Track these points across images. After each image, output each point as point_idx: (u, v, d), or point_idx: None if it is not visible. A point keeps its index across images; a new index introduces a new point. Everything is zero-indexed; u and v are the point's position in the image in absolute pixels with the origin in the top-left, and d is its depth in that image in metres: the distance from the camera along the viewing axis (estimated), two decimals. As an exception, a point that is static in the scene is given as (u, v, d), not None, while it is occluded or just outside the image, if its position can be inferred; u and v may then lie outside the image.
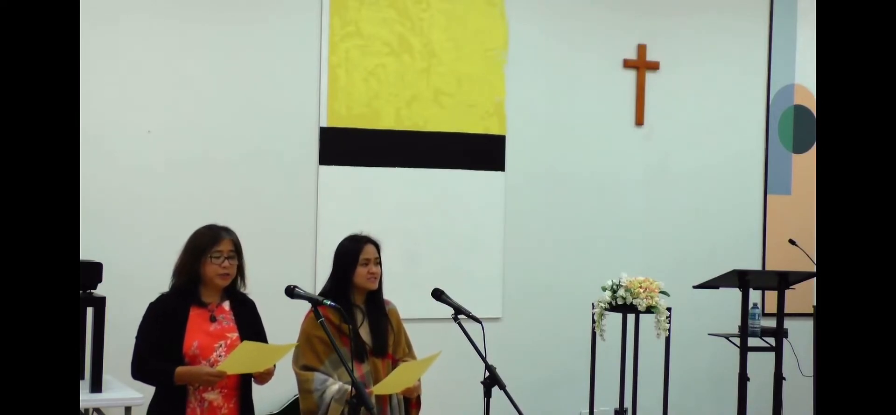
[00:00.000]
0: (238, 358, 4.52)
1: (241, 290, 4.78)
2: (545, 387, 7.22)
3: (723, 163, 7.68)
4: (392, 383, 4.70)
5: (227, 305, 4.72)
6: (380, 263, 4.96)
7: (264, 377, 4.70)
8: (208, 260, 4.64)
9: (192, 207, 6.22)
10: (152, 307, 4.68)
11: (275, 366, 4.69)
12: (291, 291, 4.55)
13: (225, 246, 4.66)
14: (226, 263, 4.66)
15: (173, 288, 4.70)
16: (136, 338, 4.66)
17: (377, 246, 4.97)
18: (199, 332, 4.62)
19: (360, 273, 4.90)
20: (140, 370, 4.65)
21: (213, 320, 4.66)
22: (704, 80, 7.63)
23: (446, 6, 6.97)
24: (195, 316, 4.63)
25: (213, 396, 4.61)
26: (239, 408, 4.68)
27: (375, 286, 4.94)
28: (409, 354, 5.07)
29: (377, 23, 6.82)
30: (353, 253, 4.91)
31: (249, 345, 4.54)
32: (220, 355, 4.61)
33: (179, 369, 4.55)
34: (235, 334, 4.68)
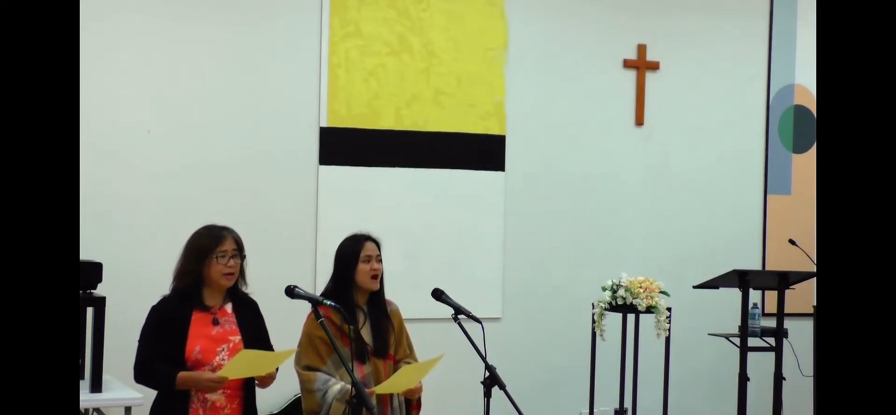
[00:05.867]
0: (238, 364, 4.51)
1: (243, 289, 4.77)
2: (545, 387, 7.22)
3: (723, 163, 7.68)
4: (394, 384, 4.70)
5: (229, 307, 4.70)
6: (380, 262, 4.96)
7: (267, 381, 4.70)
8: (213, 260, 4.62)
9: (192, 207, 6.22)
10: (154, 311, 4.66)
11: (277, 370, 4.69)
12: (291, 292, 4.55)
13: (229, 245, 4.65)
14: (231, 262, 4.64)
15: (175, 291, 4.67)
16: (139, 341, 4.65)
17: (378, 244, 4.96)
18: (201, 336, 4.60)
19: (362, 270, 4.89)
20: (142, 374, 4.63)
21: (215, 323, 4.65)
22: (704, 80, 7.63)
23: (446, 6, 6.97)
24: (197, 320, 4.62)
25: (216, 396, 4.60)
26: (242, 408, 4.67)
27: (377, 286, 4.93)
28: (411, 355, 5.06)
29: (377, 23, 6.82)
30: (354, 251, 4.90)
31: (249, 352, 4.53)
32: (222, 359, 4.59)
33: (181, 374, 4.54)
34: (238, 338, 4.66)
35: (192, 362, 4.56)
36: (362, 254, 4.89)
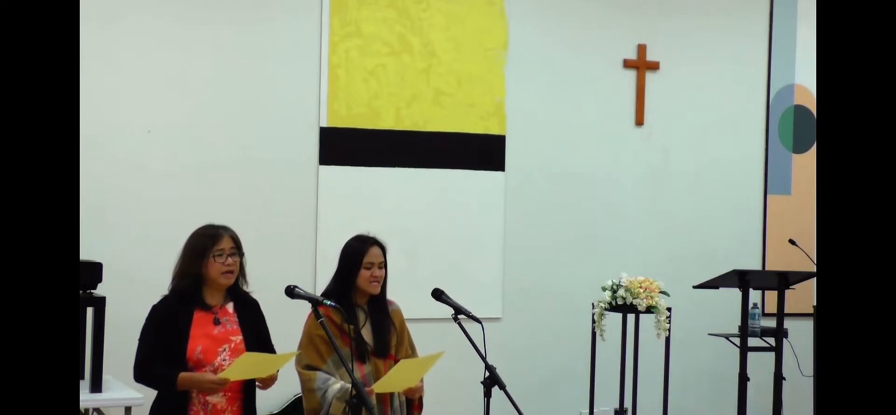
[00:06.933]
0: (240, 366, 4.50)
1: (244, 287, 4.76)
2: (545, 387, 7.22)
3: (723, 163, 7.68)
4: (393, 381, 4.69)
5: (230, 306, 4.69)
6: (385, 267, 4.94)
7: (268, 382, 4.69)
8: (211, 260, 4.60)
9: (192, 207, 6.21)
10: (155, 311, 4.64)
11: (278, 371, 4.69)
12: (291, 291, 4.54)
13: (226, 243, 4.63)
14: (229, 260, 4.63)
15: (175, 291, 4.65)
16: (139, 341, 4.63)
17: (383, 249, 4.95)
18: (202, 336, 4.59)
19: (363, 276, 4.88)
20: (142, 375, 4.62)
21: (216, 323, 4.64)
22: (704, 80, 7.63)
23: (446, 6, 6.97)
24: (198, 320, 4.60)
25: (216, 398, 4.58)
26: (242, 410, 4.66)
27: (377, 291, 4.92)
28: (413, 355, 5.04)
29: (377, 23, 6.82)
30: (358, 255, 4.89)
31: (252, 355, 4.52)
32: (224, 360, 4.58)
33: (182, 375, 4.52)
34: (239, 338, 4.65)
35: (194, 362, 4.55)
36: (365, 259, 4.88)
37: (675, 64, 7.54)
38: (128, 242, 6.26)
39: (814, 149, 7.68)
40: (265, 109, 6.61)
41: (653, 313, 6.32)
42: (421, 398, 4.98)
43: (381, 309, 4.95)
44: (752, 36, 7.75)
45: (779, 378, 6.69)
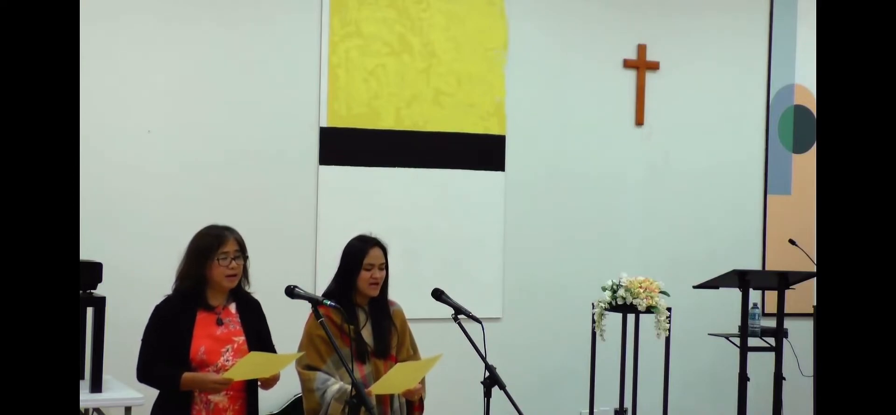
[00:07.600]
0: (244, 366, 4.50)
1: (246, 288, 4.76)
2: (545, 387, 7.22)
3: (723, 163, 7.68)
4: (391, 383, 4.68)
5: (233, 307, 4.69)
6: (386, 267, 4.93)
7: (270, 382, 4.68)
8: (215, 263, 4.59)
9: (192, 207, 6.22)
10: (158, 311, 4.63)
11: (280, 371, 4.69)
12: (291, 292, 4.55)
13: (230, 246, 4.62)
14: (233, 263, 4.62)
15: (178, 291, 4.64)
16: (142, 341, 4.62)
17: (384, 250, 4.94)
18: (205, 337, 4.59)
19: (363, 277, 4.87)
20: (146, 375, 4.61)
21: (219, 323, 4.64)
22: (704, 80, 7.63)
23: (446, 6, 6.97)
24: (202, 320, 4.60)
25: (218, 398, 4.58)
26: (245, 410, 4.66)
27: (376, 293, 4.91)
28: (414, 355, 5.04)
29: (377, 23, 6.82)
30: (359, 255, 4.88)
31: (256, 354, 4.52)
32: (227, 360, 4.58)
33: (186, 375, 4.52)
34: (242, 338, 4.65)
35: (197, 362, 4.55)
36: (366, 260, 4.87)
37: (675, 64, 7.54)
38: (128, 242, 6.26)
39: (814, 149, 7.68)
40: (265, 108, 6.61)
41: (653, 312, 6.33)
42: (422, 399, 4.97)
43: (381, 309, 4.95)
44: (752, 36, 7.75)
45: (779, 378, 6.70)
